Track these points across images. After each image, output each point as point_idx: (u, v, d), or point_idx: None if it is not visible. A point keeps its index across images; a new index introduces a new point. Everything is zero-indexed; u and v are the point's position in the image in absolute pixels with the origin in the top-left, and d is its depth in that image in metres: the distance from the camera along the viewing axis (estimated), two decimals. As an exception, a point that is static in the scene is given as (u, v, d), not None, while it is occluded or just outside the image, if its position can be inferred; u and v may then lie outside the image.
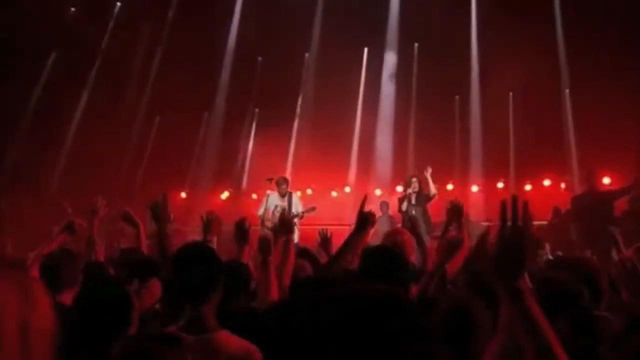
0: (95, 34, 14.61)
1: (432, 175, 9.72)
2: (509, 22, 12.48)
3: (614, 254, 4.74)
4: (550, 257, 5.60)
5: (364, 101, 15.53)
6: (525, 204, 1.47)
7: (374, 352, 1.65)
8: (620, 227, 8.48)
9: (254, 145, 16.08)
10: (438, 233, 6.51)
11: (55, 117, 13.75)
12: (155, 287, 2.80)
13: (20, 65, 13.11)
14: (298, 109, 15.85)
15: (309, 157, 14.30)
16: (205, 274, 2.32)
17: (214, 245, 4.00)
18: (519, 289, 1.42)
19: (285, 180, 9.85)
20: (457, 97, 15.23)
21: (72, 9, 14.45)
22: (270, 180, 9.87)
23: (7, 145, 13.34)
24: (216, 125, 15.74)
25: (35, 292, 0.84)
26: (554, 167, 13.55)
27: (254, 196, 14.34)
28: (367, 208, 3.27)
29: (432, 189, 9.58)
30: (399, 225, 9.73)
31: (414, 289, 3.13)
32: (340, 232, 5.49)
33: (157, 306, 3.08)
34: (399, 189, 12.99)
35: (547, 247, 6.16)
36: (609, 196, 9.75)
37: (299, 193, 11.35)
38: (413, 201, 9.50)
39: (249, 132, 16.26)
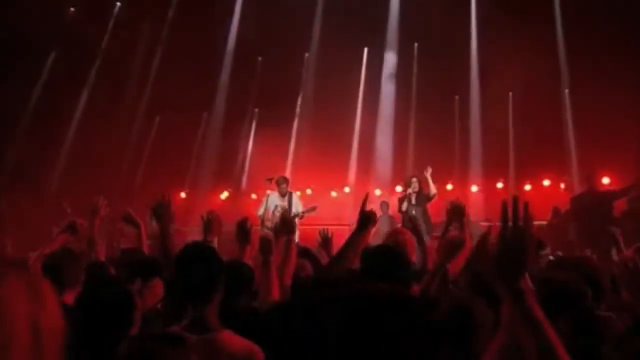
0: (95, 34, 14.61)
1: (432, 175, 9.71)
2: (509, 22, 12.48)
3: (614, 253, 4.75)
4: (551, 257, 5.60)
5: (364, 101, 15.53)
6: (526, 204, 1.47)
7: (377, 351, 1.65)
8: (620, 227, 8.49)
9: (254, 145, 16.09)
10: (438, 233, 6.52)
11: (55, 117, 13.75)
12: (158, 287, 2.80)
13: (20, 65, 13.12)
14: (298, 109, 15.85)
15: (309, 157, 14.30)
16: (207, 274, 2.32)
17: (215, 246, 4.00)
18: (520, 289, 1.43)
19: (286, 180, 9.84)
20: (456, 97, 15.24)
21: (72, 9, 14.45)
22: (270, 180, 9.86)
23: (7, 145, 13.34)
24: (216, 125, 15.73)
25: (44, 292, 0.83)
26: (553, 167, 13.56)
27: (254, 196, 14.34)
28: (368, 207, 3.27)
29: (432, 189, 9.58)
30: (399, 225, 9.74)
31: (415, 289, 3.14)
32: (340, 232, 5.51)
33: (159, 306, 3.09)
34: (399, 189, 13.00)
35: (548, 247, 6.16)
36: (608, 196, 9.75)
37: (298, 193, 11.35)
38: (413, 201, 9.50)
39: (249, 132, 16.26)
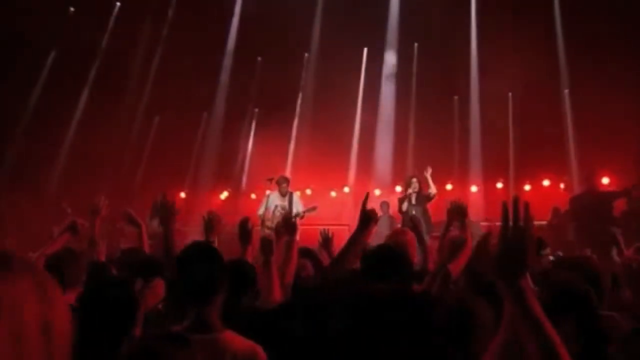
0: (95, 34, 14.61)
1: (432, 176, 9.72)
2: (509, 22, 12.49)
3: (615, 253, 4.76)
4: (551, 257, 5.61)
5: (364, 101, 15.53)
6: (526, 205, 1.48)
7: (379, 351, 1.66)
8: (620, 227, 8.50)
9: (254, 145, 16.09)
10: (438, 233, 6.53)
11: (55, 117, 13.74)
12: (159, 287, 2.80)
13: (20, 65, 13.12)
14: (298, 109, 15.85)
15: (309, 157, 14.30)
16: (209, 274, 2.31)
17: (215, 246, 3.99)
18: (521, 288, 1.43)
19: (286, 180, 9.84)
20: (456, 97, 15.25)
21: (72, 9, 14.45)
22: (270, 180, 9.86)
23: (7, 145, 13.34)
24: (216, 125, 15.74)
25: (53, 291, 0.82)
26: (553, 168, 13.57)
27: (253, 196, 14.36)
28: (368, 206, 3.26)
29: (433, 189, 9.58)
30: (399, 225, 9.75)
31: (416, 289, 3.13)
32: (339, 232, 5.51)
33: (160, 306, 3.08)
34: (398, 189, 13.01)
35: (549, 250, 6.16)
36: (608, 196, 9.77)
37: (298, 193, 11.36)
38: (413, 201, 9.50)
39: (249, 132, 16.27)
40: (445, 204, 4.66)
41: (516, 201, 1.48)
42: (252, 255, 3.82)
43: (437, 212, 9.17)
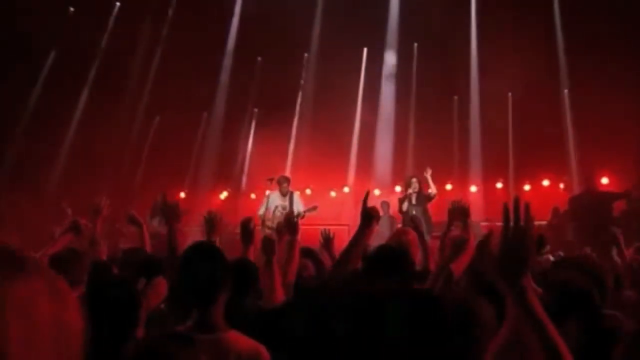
0: (95, 34, 14.60)
1: (432, 176, 9.73)
2: (509, 22, 12.50)
3: (615, 253, 4.77)
4: (552, 257, 5.61)
5: (364, 101, 15.53)
6: (527, 205, 1.50)
7: (381, 350, 1.66)
8: (620, 227, 8.50)
9: (254, 145, 16.08)
10: (438, 233, 6.53)
11: (55, 117, 13.73)
12: (161, 286, 2.79)
13: (20, 65, 13.11)
14: (297, 109, 15.85)
15: (308, 157, 14.30)
16: (213, 274, 2.31)
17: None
18: (523, 288, 1.45)
19: (287, 179, 9.83)
20: (456, 97, 15.25)
21: (72, 9, 14.45)
22: (271, 180, 9.86)
23: (7, 145, 13.33)
24: (216, 125, 15.73)
25: (64, 290, 0.81)
26: (552, 168, 13.57)
27: (253, 196, 14.36)
28: (369, 205, 3.23)
29: (433, 189, 9.59)
30: (399, 225, 9.75)
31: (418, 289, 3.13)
32: (339, 232, 5.51)
33: (163, 306, 3.08)
34: (398, 189, 13.01)
35: (549, 248, 6.18)
36: (608, 197, 9.80)
37: (298, 193, 11.36)
38: (414, 201, 9.51)
39: (249, 132, 16.26)
40: (446, 204, 4.66)
41: (517, 202, 1.50)
42: (254, 255, 3.82)
43: (438, 213, 9.18)
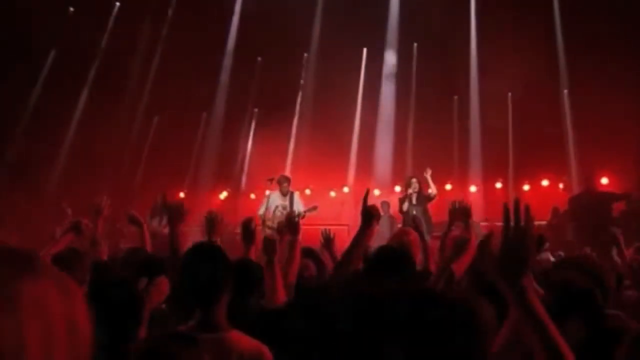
0: (94, 34, 14.60)
1: (432, 176, 9.74)
2: (509, 22, 12.50)
3: (615, 253, 4.77)
4: (552, 257, 5.62)
5: (364, 101, 15.54)
6: (527, 206, 1.51)
7: (382, 350, 1.67)
8: (619, 227, 8.51)
9: (253, 145, 16.09)
10: (438, 233, 6.54)
11: (55, 116, 13.73)
12: (163, 284, 2.79)
13: (20, 65, 13.11)
14: (297, 109, 15.86)
15: (308, 157, 14.31)
16: (215, 275, 2.31)
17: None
18: (523, 288, 1.45)
19: (287, 179, 9.83)
20: (456, 97, 15.26)
21: (72, 9, 14.45)
22: (271, 180, 9.86)
23: (7, 145, 13.33)
24: (215, 125, 15.74)
25: (73, 289, 0.81)
26: (552, 168, 13.58)
27: (252, 196, 14.36)
28: (369, 203, 3.22)
29: (433, 189, 9.60)
30: (399, 225, 9.76)
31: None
32: (339, 232, 5.52)
33: (164, 306, 3.08)
34: (398, 189, 13.02)
35: (548, 245, 6.18)
36: (607, 197, 9.80)
37: (298, 193, 11.37)
38: (414, 201, 9.51)
39: (248, 132, 16.26)
40: (446, 204, 4.66)
41: (517, 203, 1.51)
42: (255, 255, 3.82)
43: (438, 213, 9.18)
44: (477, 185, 14.26)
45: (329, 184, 14.77)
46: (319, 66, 15.36)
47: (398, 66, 15.27)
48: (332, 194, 14.91)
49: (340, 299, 2.40)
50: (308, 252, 4.17)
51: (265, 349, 2.22)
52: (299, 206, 9.60)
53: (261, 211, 9.62)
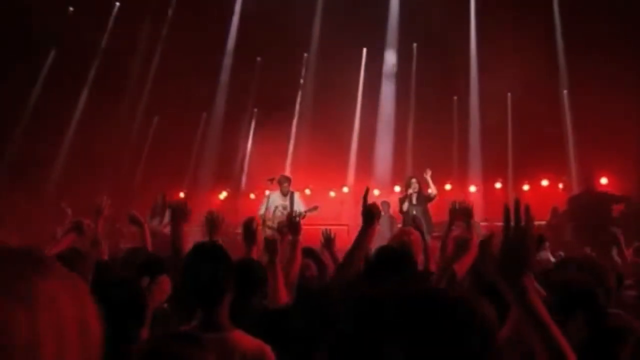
0: (95, 33, 14.60)
1: (431, 176, 9.74)
2: (509, 22, 12.51)
3: (615, 253, 4.78)
4: (552, 257, 5.63)
5: (363, 101, 15.55)
6: (527, 207, 1.51)
7: (384, 351, 1.67)
8: (619, 227, 8.51)
9: (253, 145, 16.09)
10: (439, 233, 6.54)
11: (55, 116, 13.73)
12: (165, 283, 2.79)
13: (20, 65, 13.10)
14: (297, 109, 15.86)
15: (308, 157, 14.31)
16: (217, 275, 2.31)
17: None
18: (523, 287, 1.46)
19: (287, 179, 9.83)
20: (455, 97, 15.27)
21: (72, 9, 14.44)
22: (271, 180, 9.87)
23: (7, 145, 13.32)
24: (215, 125, 15.74)
25: (84, 291, 0.81)
26: (552, 168, 13.58)
27: (252, 196, 14.36)
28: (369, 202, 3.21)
29: (433, 190, 9.60)
30: (399, 225, 9.76)
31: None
32: (339, 232, 5.53)
33: (166, 306, 3.09)
34: (397, 189, 13.02)
35: (547, 245, 6.19)
36: (607, 198, 9.80)
37: (298, 193, 11.37)
38: (414, 201, 9.52)
39: (248, 132, 16.27)
40: (446, 204, 4.66)
41: (517, 203, 1.51)
42: (257, 255, 3.82)
43: (438, 213, 9.19)
44: (476, 185, 14.27)
45: (328, 184, 14.77)
46: (319, 66, 15.36)
47: (398, 66, 15.28)
48: (332, 194, 14.91)
49: (342, 299, 2.40)
50: (308, 252, 4.18)
51: (268, 349, 2.22)
52: (299, 206, 9.60)
53: (261, 211, 9.63)
